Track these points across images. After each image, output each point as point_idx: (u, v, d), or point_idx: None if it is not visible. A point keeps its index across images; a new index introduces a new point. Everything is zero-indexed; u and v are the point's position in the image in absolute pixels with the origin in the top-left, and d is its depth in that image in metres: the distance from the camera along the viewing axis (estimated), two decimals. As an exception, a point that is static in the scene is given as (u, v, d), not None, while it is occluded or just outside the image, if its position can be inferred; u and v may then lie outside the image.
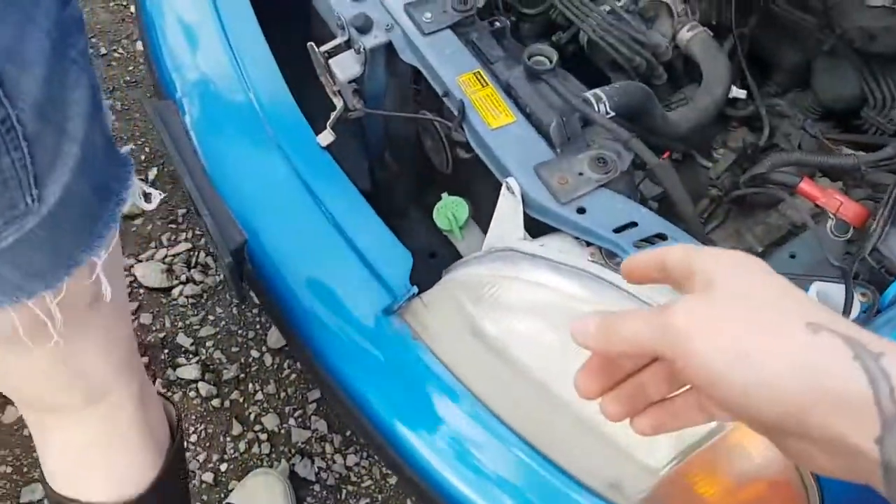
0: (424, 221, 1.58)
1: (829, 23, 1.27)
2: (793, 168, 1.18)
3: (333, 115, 1.24)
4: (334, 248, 1.15)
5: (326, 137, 1.24)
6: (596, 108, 1.07)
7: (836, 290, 0.87)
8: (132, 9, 2.25)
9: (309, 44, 1.21)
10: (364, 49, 1.16)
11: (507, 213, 1.01)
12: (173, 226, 1.76)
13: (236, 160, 1.25)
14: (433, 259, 1.55)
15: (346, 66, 1.19)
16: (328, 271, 1.15)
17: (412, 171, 1.48)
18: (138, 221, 1.76)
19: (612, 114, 1.08)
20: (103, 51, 2.14)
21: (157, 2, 1.43)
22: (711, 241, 1.14)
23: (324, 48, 1.20)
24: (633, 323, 0.45)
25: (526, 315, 0.97)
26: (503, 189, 1.01)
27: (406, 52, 1.16)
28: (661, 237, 0.93)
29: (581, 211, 0.96)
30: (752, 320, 0.42)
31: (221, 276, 1.65)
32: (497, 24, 1.20)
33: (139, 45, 2.14)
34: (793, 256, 1.22)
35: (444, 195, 1.11)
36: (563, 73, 1.12)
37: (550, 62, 1.07)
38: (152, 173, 1.85)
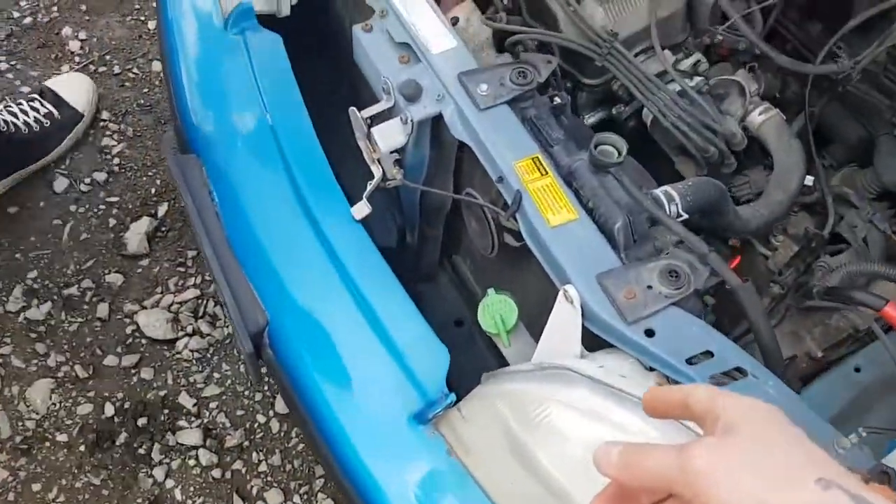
0: (452, 285, 1.48)
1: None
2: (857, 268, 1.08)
3: (370, 185, 1.13)
4: (364, 337, 1.04)
5: (362, 210, 1.13)
6: (667, 210, 0.97)
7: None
8: (150, 25, 2.14)
9: (351, 109, 1.10)
10: (412, 121, 1.06)
11: (564, 325, 0.90)
12: (181, 269, 1.65)
13: (262, 229, 1.14)
14: (460, 328, 1.45)
15: (389, 137, 1.08)
16: (355, 363, 1.04)
17: (444, 236, 1.38)
18: (144, 262, 1.66)
19: (685, 216, 0.98)
20: (117, 69, 2.03)
21: (183, 40, 1.33)
22: (790, 380, 1.03)
23: (366, 113, 1.10)
24: (655, 457, 0.48)
25: (581, 447, 0.86)
26: (560, 296, 0.91)
27: (457, 126, 1.06)
28: (741, 372, 0.82)
29: (650, 333, 0.86)
30: (768, 472, 0.45)
31: (230, 330, 1.55)
32: (557, 99, 1.10)
33: (156, 65, 2.04)
34: (857, 370, 1.12)
35: (491, 292, 1.00)
36: (630, 162, 1.02)
37: (619, 154, 0.97)
38: (162, 209, 1.75)
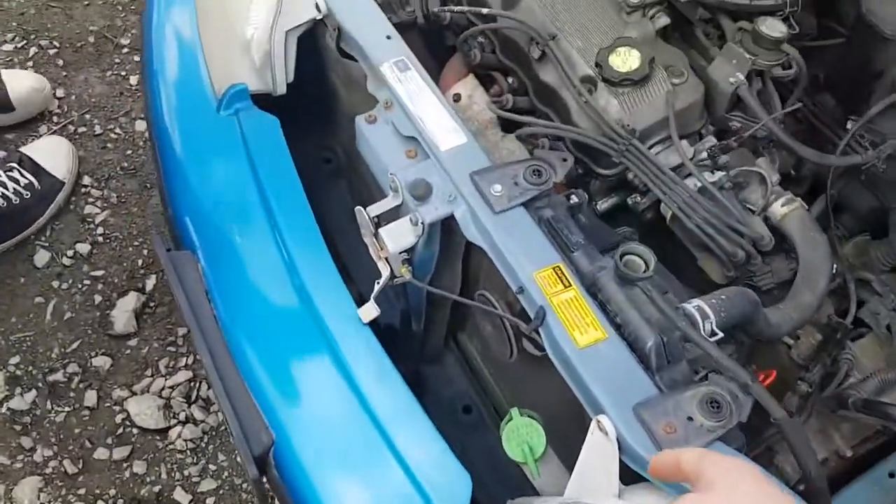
0: (459, 365, 1.42)
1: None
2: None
3: (378, 285, 1.07)
4: (377, 457, 0.97)
5: (370, 312, 1.07)
6: (701, 328, 0.91)
7: None
8: (132, 80, 2.06)
9: (357, 208, 1.04)
10: (423, 222, 1.00)
11: (598, 458, 0.84)
12: (172, 349, 1.57)
13: (265, 335, 1.07)
14: (468, 415, 1.38)
15: (399, 237, 1.02)
16: (368, 485, 0.97)
17: (449, 315, 1.32)
18: (133, 342, 1.57)
19: (720, 334, 0.92)
20: (98, 130, 1.94)
21: (174, 124, 1.26)
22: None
23: (373, 212, 1.03)
24: None
25: None
26: (593, 426, 0.85)
27: (471, 229, 1.00)
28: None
29: (693, 473, 0.80)
30: None
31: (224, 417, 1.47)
32: (574, 198, 1.04)
33: (139, 125, 1.96)
34: (892, 475, 1.07)
35: (514, 412, 0.94)
36: (659, 270, 0.96)
37: (647, 267, 0.91)
38: (150, 282, 1.67)
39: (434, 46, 1.38)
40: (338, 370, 1.02)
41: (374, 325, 1.07)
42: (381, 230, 1.02)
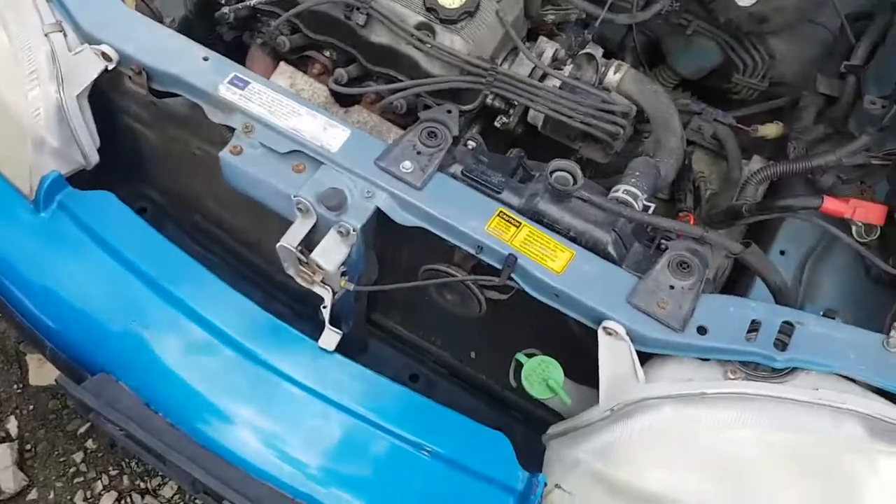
0: (387, 344, 1.41)
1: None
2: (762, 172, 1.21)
3: (325, 309, 1.02)
4: (413, 459, 0.96)
5: (332, 338, 1.02)
6: (637, 206, 0.99)
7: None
8: None
9: (278, 245, 0.96)
10: (354, 230, 0.96)
11: (616, 359, 0.91)
12: (79, 479, 1.37)
13: (234, 413, 0.98)
14: (417, 382, 1.39)
15: (333, 254, 0.97)
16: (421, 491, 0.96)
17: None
18: (33, 495, 1.34)
19: (652, 206, 1.01)
20: None
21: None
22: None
23: (294, 241, 0.97)
24: None
25: (694, 469, 0.89)
26: (601, 334, 0.91)
27: (401, 214, 0.98)
28: (789, 326, 0.90)
29: (702, 331, 0.90)
30: None
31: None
32: (471, 143, 1.06)
33: None
34: (783, 253, 1.27)
35: (521, 357, 0.97)
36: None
37: (575, 179, 0.97)
38: (11, 424, 1.41)
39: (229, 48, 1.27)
40: (338, 410, 0.97)
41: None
42: (313, 255, 0.96)
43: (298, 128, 1.00)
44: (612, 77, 1.24)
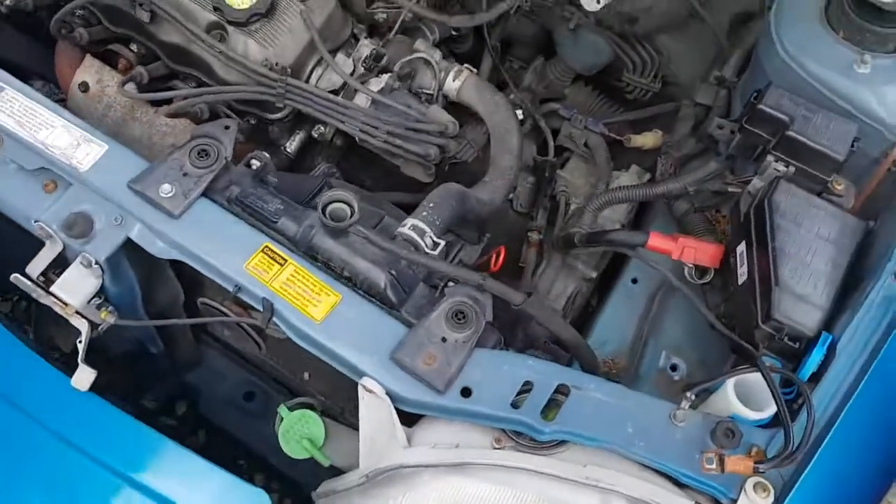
0: (223, 357, 1.31)
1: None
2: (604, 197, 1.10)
3: (80, 344, 0.91)
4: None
5: (85, 378, 0.91)
6: (423, 245, 0.89)
7: (753, 379, 0.82)
8: None
9: (13, 276, 0.86)
10: (97, 262, 0.85)
11: (377, 419, 0.82)
12: None
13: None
14: (252, 401, 1.30)
15: (77, 287, 0.87)
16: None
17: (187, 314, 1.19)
18: None
19: (442, 242, 0.91)
20: None
21: None
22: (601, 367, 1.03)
23: (35, 271, 0.86)
24: None
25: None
26: (361, 391, 0.81)
27: (157, 245, 0.87)
28: (565, 389, 0.80)
29: (466, 393, 0.80)
30: None
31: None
32: (255, 162, 0.94)
33: None
34: (634, 281, 1.17)
35: (282, 411, 0.87)
36: (368, 199, 0.92)
37: (352, 211, 0.86)
38: None
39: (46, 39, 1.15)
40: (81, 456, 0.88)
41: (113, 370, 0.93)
42: (53, 288, 0.86)
43: (48, 142, 0.89)
44: (452, 84, 1.13)
